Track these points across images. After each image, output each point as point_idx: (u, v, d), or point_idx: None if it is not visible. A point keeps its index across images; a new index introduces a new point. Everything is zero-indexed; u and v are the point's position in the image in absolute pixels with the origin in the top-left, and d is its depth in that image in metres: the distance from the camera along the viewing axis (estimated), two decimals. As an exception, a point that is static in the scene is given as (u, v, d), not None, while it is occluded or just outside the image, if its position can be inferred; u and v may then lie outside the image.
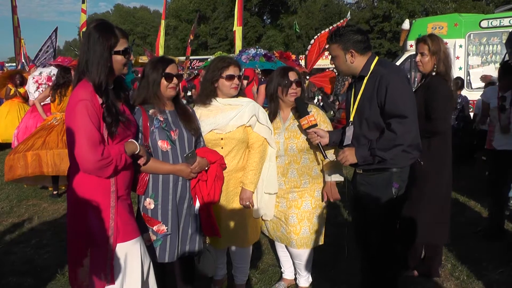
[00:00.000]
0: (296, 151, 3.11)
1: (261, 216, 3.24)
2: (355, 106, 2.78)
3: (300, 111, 3.00)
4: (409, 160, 2.69)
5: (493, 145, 4.57)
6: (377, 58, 2.76)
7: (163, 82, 2.69)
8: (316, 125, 2.93)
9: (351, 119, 2.82)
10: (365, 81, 2.72)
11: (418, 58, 3.44)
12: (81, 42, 2.37)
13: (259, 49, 7.94)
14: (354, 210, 3.09)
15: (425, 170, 3.26)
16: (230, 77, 2.98)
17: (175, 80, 2.72)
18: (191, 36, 11.20)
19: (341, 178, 3.14)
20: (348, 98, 2.92)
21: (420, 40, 3.47)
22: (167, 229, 2.71)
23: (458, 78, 7.59)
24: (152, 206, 2.70)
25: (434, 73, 3.38)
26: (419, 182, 3.22)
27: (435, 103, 3.26)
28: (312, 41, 13.02)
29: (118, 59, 2.30)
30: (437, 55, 3.36)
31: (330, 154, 3.05)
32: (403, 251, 3.66)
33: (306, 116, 2.92)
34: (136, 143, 2.39)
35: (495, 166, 4.63)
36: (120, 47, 2.30)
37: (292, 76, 3.13)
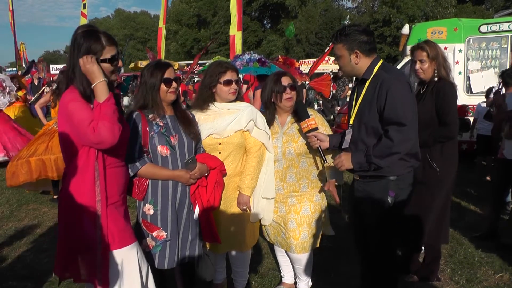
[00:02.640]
0: (294, 155, 3.11)
1: (260, 220, 3.25)
2: (355, 110, 2.76)
3: (300, 114, 2.99)
4: (406, 168, 2.67)
5: (504, 154, 4.46)
6: (381, 61, 2.71)
7: (163, 87, 2.69)
8: (316, 128, 2.93)
9: (351, 122, 2.80)
10: (366, 84, 2.68)
11: (417, 65, 3.39)
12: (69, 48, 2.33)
13: (253, 54, 7.89)
14: (353, 215, 3.08)
15: (439, 176, 3.27)
16: (228, 82, 2.98)
17: (174, 84, 2.72)
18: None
19: (340, 182, 3.15)
20: (350, 101, 2.90)
21: (417, 47, 3.43)
22: (166, 235, 2.70)
23: None
24: (152, 212, 2.69)
25: (436, 79, 3.36)
26: (433, 187, 3.24)
27: (448, 107, 3.24)
28: (327, 49, 13.05)
29: (105, 67, 2.24)
30: (437, 60, 3.34)
31: (329, 158, 3.05)
32: (406, 256, 3.67)
33: (306, 119, 2.91)
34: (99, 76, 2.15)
35: (503, 174, 4.59)
36: (107, 54, 2.23)
37: (285, 81, 3.12)
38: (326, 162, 2.96)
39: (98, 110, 2.10)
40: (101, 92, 2.15)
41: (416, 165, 2.73)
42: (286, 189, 3.17)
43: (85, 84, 2.19)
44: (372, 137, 2.65)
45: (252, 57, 7.68)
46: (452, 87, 3.33)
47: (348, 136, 2.81)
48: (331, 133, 3.15)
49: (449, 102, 3.27)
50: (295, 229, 3.13)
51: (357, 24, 2.79)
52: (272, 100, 3.17)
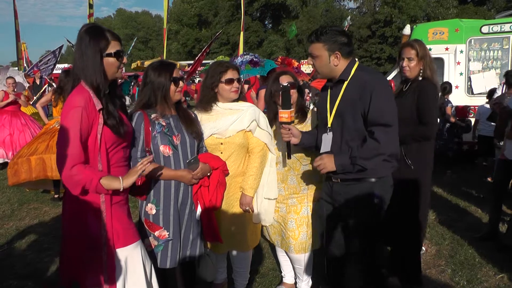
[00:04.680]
0: (296, 157, 3.11)
1: (261, 221, 3.25)
2: (334, 112, 2.69)
3: (283, 103, 2.86)
4: (389, 169, 2.63)
5: (505, 155, 4.45)
6: (357, 63, 2.68)
7: (172, 87, 2.69)
8: (292, 122, 2.85)
9: (329, 125, 2.72)
10: (344, 85, 2.63)
11: (405, 63, 3.41)
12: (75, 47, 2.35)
13: (245, 56, 7.77)
14: (330, 220, 2.89)
15: (416, 174, 3.29)
16: (230, 81, 2.98)
17: (181, 83, 2.74)
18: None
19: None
20: (323, 102, 2.81)
21: (406, 45, 3.45)
22: (168, 234, 2.70)
23: (446, 83, 7.61)
24: (154, 211, 2.70)
25: (420, 78, 3.38)
26: (408, 185, 3.24)
27: (428, 107, 3.25)
28: None
29: (110, 61, 2.26)
30: (424, 60, 3.37)
31: (304, 160, 3.06)
32: (397, 256, 3.60)
33: (286, 110, 2.80)
34: (121, 182, 2.19)
35: (504, 175, 4.57)
36: (112, 49, 2.25)
37: (284, 79, 3.11)
38: (290, 157, 2.93)
39: (94, 174, 2.12)
40: (111, 187, 2.17)
41: (396, 165, 2.68)
42: (287, 190, 3.17)
43: (99, 80, 2.21)
44: (356, 139, 2.59)
45: (244, 59, 7.57)
46: (435, 88, 3.37)
47: (327, 139, 2.72)
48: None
49: (429, 102, 3.27)
50: (294, 229, 3.13)
51: (335, 25, 2.76)
52: (273, 100, 3.16)
